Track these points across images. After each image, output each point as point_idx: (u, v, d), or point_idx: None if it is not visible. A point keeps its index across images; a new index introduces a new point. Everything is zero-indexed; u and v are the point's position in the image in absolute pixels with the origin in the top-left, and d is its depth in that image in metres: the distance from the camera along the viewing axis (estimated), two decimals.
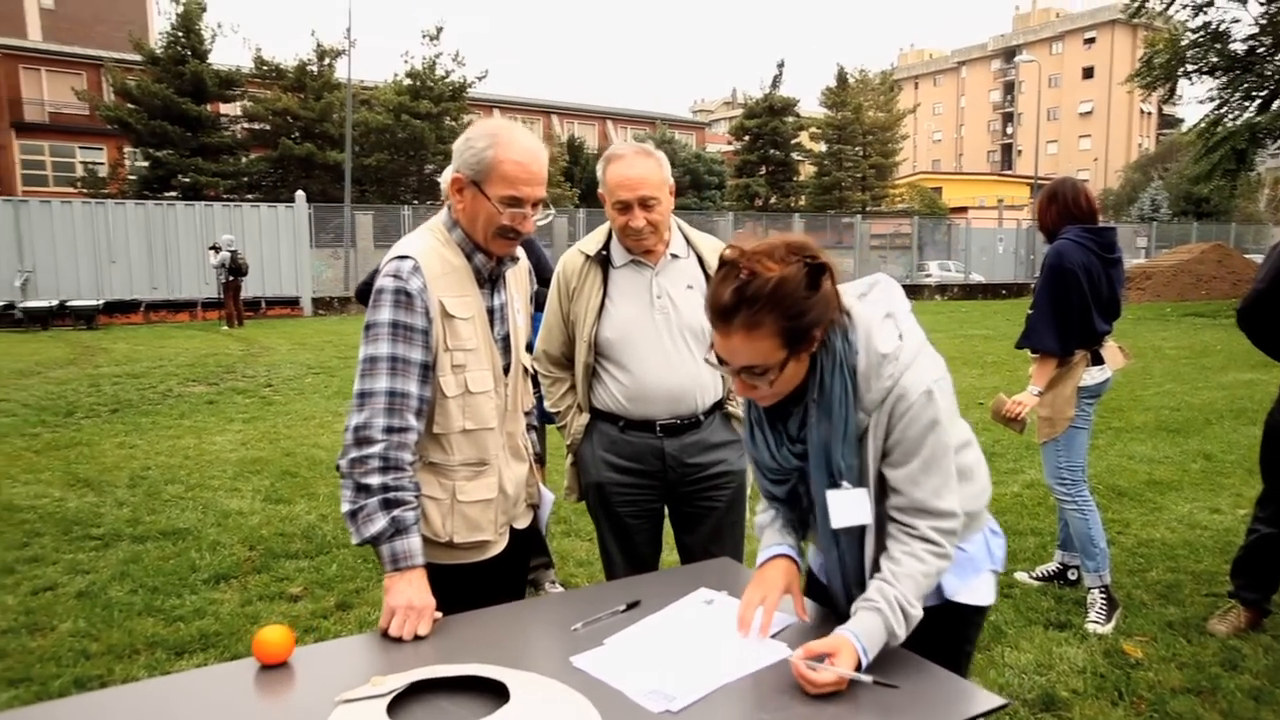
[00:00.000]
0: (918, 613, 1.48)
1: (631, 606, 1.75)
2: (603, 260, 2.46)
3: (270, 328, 16.74)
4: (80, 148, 31.17)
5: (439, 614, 1.69)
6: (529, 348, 2.16)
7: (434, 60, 28.32)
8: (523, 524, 2.06)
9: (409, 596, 1.64)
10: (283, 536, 4.43)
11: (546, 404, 2.65)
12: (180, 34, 25.55)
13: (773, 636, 1.60)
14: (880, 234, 30.98)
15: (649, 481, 2.50)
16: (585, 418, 2.55)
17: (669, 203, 2.39)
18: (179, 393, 9.05)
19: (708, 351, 1.55)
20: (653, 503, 2.55)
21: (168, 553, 4.18)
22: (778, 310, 1.42)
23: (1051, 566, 3.85)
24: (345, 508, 1.70)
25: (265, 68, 27.58)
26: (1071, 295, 3.36)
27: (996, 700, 1.41)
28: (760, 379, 1.50)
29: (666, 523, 2.62)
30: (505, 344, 1.96)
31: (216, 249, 16.76)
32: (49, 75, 31.72)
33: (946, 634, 1.62)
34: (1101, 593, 3.43)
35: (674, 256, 2.46)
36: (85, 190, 25.83)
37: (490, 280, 1.93)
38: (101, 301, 17.52)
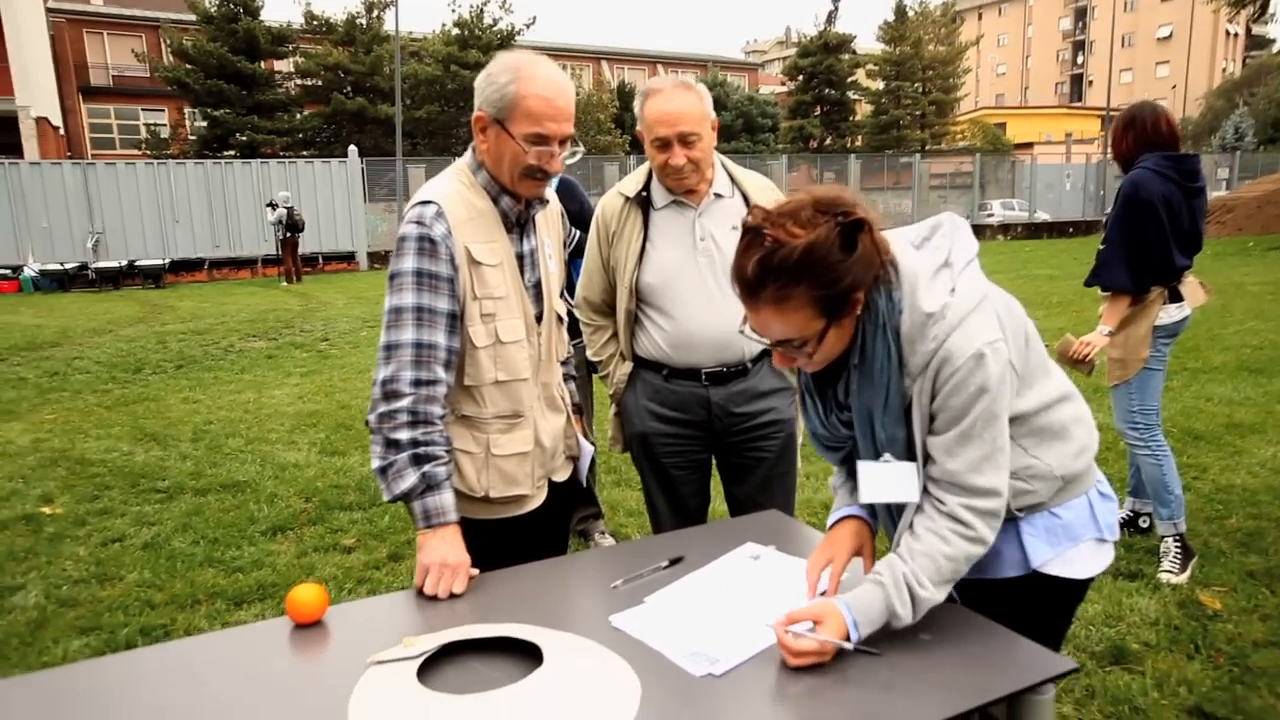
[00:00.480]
0: (930, 595, 1.35)
1: (674, 563, 1.68)
2: (643, 202, 2.35)
3: (327, 283, 17.01)
4: (143, 109, 31.86)
5: (475, 570, 1.65)
6: (565, 293, 2.08)
7: (481, 8, 28.01)
8: (561, 476, 2.00)
9: (442, 554, 1.60)
10: (337, 489, 4.50)
11: (589, 352, 2.57)
12: None
13: None
14: (940, 173, 29.94)
15: (695, 431, 2.41)
16: (628, 366, 2.47)
17: (711, 139, 2.26)
18: (240, 348, 9.26)
19: (742, 323, 1.42)
20: (699, 453, 2.47)
21: (228, 505, 4.28)
22: (808, 280, 1.29)
23: (1122, 513, 3.68)
24: (375, 464, 1.65)
25: (315, 22, 27.62)
26: (1148, 229, 3.13)
27: (1066, 664, 1.31)
28: (799, 351, 1.38)
29: (715, 473, 2.54)
30: (537, 291, 1.87)
31: (273, 206, 16.94)
32: (111, 38, 32.33)
33: (1033, 608, 1.49)
34: (1176, 541, 3.26)
35: (717, 196, 2.33)
36: (149, 152, 26.41)
37: (519, 224, 1.83)
38: (167, 260, 17.99)
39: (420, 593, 1.58)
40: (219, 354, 8.92)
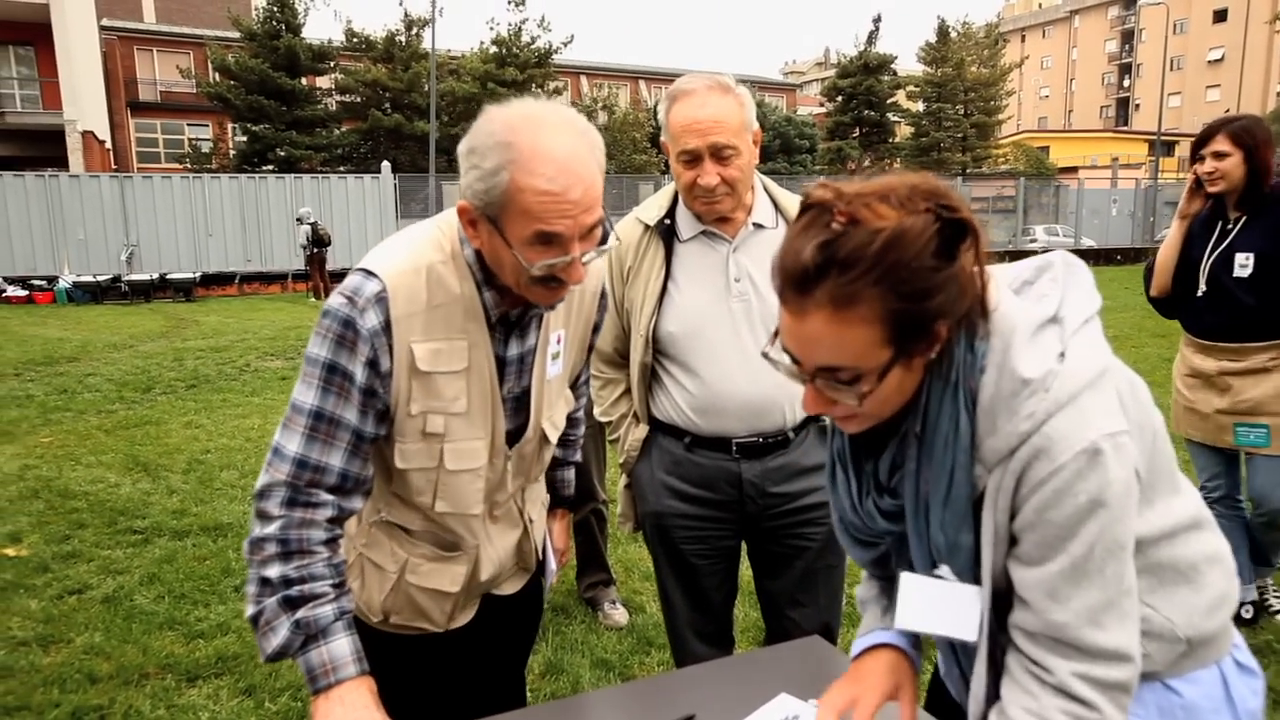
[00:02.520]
0: None
1: None
2: (666, 232, 1.91)
3: None
4: (188, 124, 32.29)
5: None
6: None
7: (519, 26, 28.01)
8: (508, 590, 1.55)
9: None
10: None
11: (596, 411, 2.13)
12: (275, 8, 25.93)
13: None
14: (981, 197, 29.24)
15: (721, 513, 1.96)
16: (643, 430, 2.02)
17: (751, 155, 1.81)
18: (255, 367, 8.97)
19: (770, 340, 0.99)
20: (726, 539, 2.01)
21: (205, 552, 3.89)
22: (888, 281, 0.88)
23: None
24: (248, 610, 1.22)
25: (355, 39, 27.82)
26: None
27: None
28: (845, 390, 0.95)
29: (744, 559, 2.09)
30: (520, 403, 1.40)
31: (301, 221, 16.84)
32: (159, 55, 32.88)
33: None
34: None
35: (757, 227, 1.88)
36: (191, 166, 26.67)
37: (506, 323, 1.34)
38: (199, 274, 17.96)
39: None
40: (233, 374, 8.63)
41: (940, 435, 0.96)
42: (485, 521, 1.42)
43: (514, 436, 1.39)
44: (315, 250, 16.61)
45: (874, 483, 1.09)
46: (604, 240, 1.23)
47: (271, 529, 1.20)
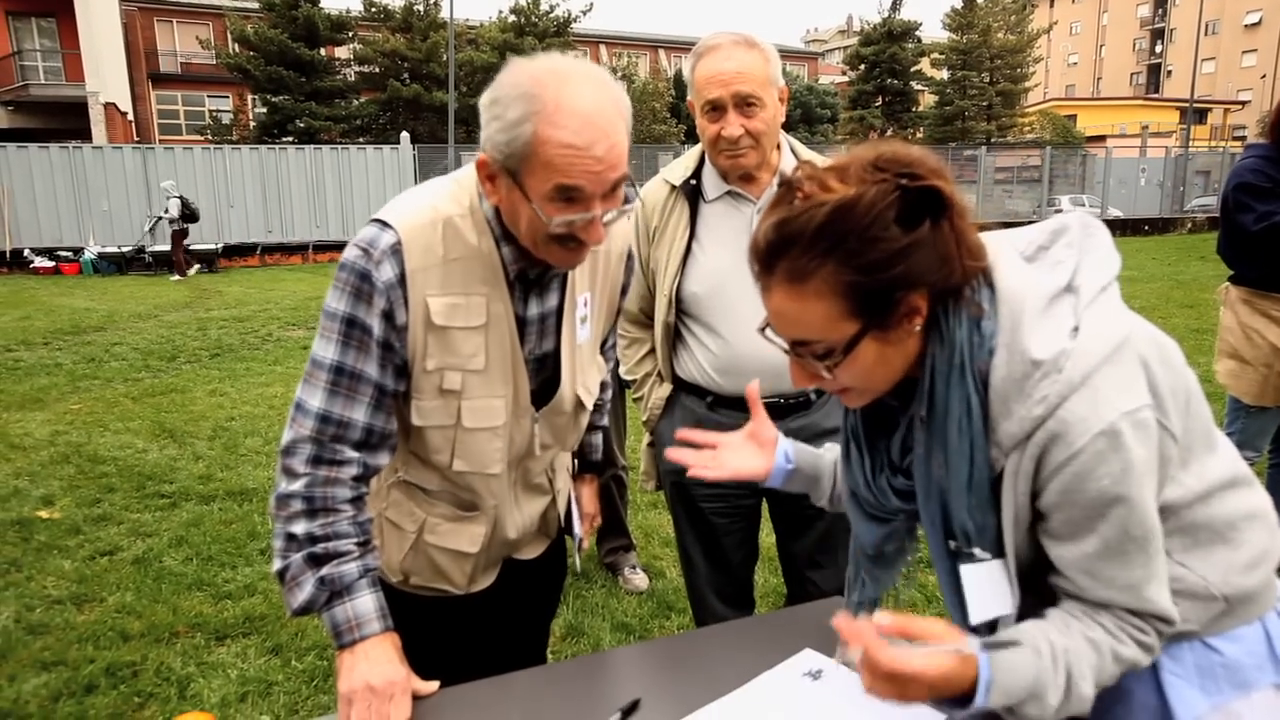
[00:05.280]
0: (1087, 694, 0.92)
1: (629, 713, 1.18)
2: (692, 192, 1.90)
3: None
4: (209, 96, 32.32)
5: (429, 685, 1.23)
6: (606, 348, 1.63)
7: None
8: (529, 555, 1.54)
9: (366, 677, 1.17)
10: None
11: (622, 369, 2.13)
12: None
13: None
14: (1006, 166, 28.72)
15: None
16: (666, 389, 2.02)
17: (777, 111, 1.78)
18: (278, 337, 9.05)
19: (763, 323, 1.01)
20: (745, 498, 2.02)
21: (231, 516, 3.96)
22: (837, 253, 0.88)
23: None
24: (275, 565, 1.22)
25: (374, 9, 27.66)
26: None
27: None
28: (818, 362, 0.95)
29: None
30: (542, 364, 1.37)
31: (168, 194, 15.54)
32: (179, 27, 32.88)
33: None
34: None
35: None
36: (211, 137, 26.75)
37: (525, 281, 1.31)
38: (221, 245, 18.06)
39: None
40: (256, 343, 8.71)
41: (953, 420, 0.95)
42: (513, 488, 1.42)
43: (540, 399, 1.38)
44: (184, 225, 15.61)
45: (887, 460, 1.09)
46: (627, 201, 1.21)
47: (297, 485, 1.20)
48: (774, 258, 0.92)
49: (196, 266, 16.64)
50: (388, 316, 1.21)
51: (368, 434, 1.24)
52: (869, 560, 1.19)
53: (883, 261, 0.88)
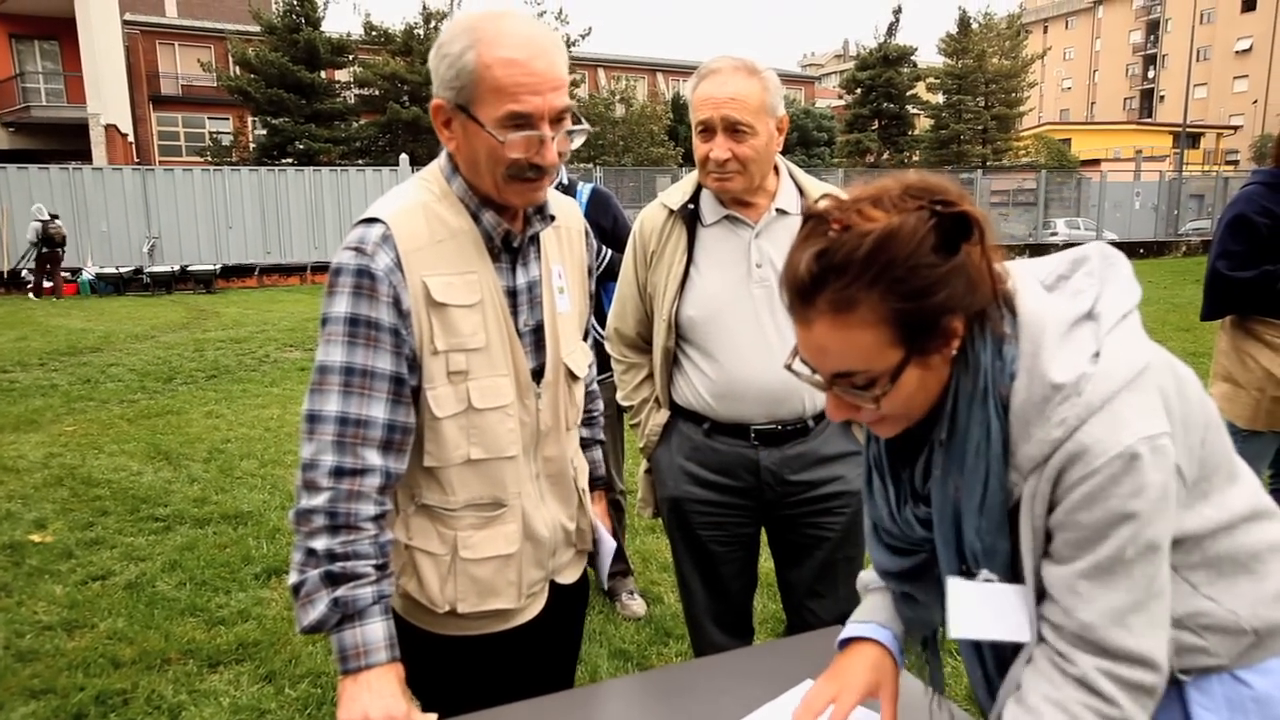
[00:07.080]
0: None
1: None
2: (689, 216, 1.90)
3: None
4: (209, 118, 32.51)
5: (430, 717, 1.21)
6: (595, 326, 1.63)
7: (539, 18, 28.05)
8: (569, 578, 1.53)
9: (366, 709, 1.16)
10: None
11: (619, 395, 2.13)
12: (295, 2, 26.06)
13: None
14: (1002, 190, 28.92)
15: (740, 500, 1.95)
16: (663, 415, 2.02)
17: (770, 139, 1.80)
18: (275, 358, 9.04)
19: (791, 355, 1.00)
20: (744, 526, 2.00)
21: (225, 540, 3.93)
22: (884, 282, 0.89)
23: None
24: (291, 578, 1.22)
25: (374, 33, 27.89)
26: None
27: None
28: (862, 394, 0.95)
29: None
30: (537, 338, 1.40)
31: (34, 218, 15.27)
32: (181, 49, 33.12)
33: None
34: None
35: (780, 213, 1.87)
36: (211, 159, 26.86)
37: (511, 249, 1.37)
38: (219, 266, 18.07)
39: None
40: (253, 364, 8.70)
41: (972, 442, 0.95)
42: (535, 480, 1.40)
43: (538, 376, 1.40)
44: (46, 249, 15.26)
45: (910, 490, 1.08)
46: (577, 124, 1.29)
47: (319, 500, 1.19)
48: (816, 289, 0.91)
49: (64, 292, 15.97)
50: (393, 303, 1.24)
51: (389, 431, 1.24)
52: (902, 601, 1.17)
53: (926, 288, 0.89)
